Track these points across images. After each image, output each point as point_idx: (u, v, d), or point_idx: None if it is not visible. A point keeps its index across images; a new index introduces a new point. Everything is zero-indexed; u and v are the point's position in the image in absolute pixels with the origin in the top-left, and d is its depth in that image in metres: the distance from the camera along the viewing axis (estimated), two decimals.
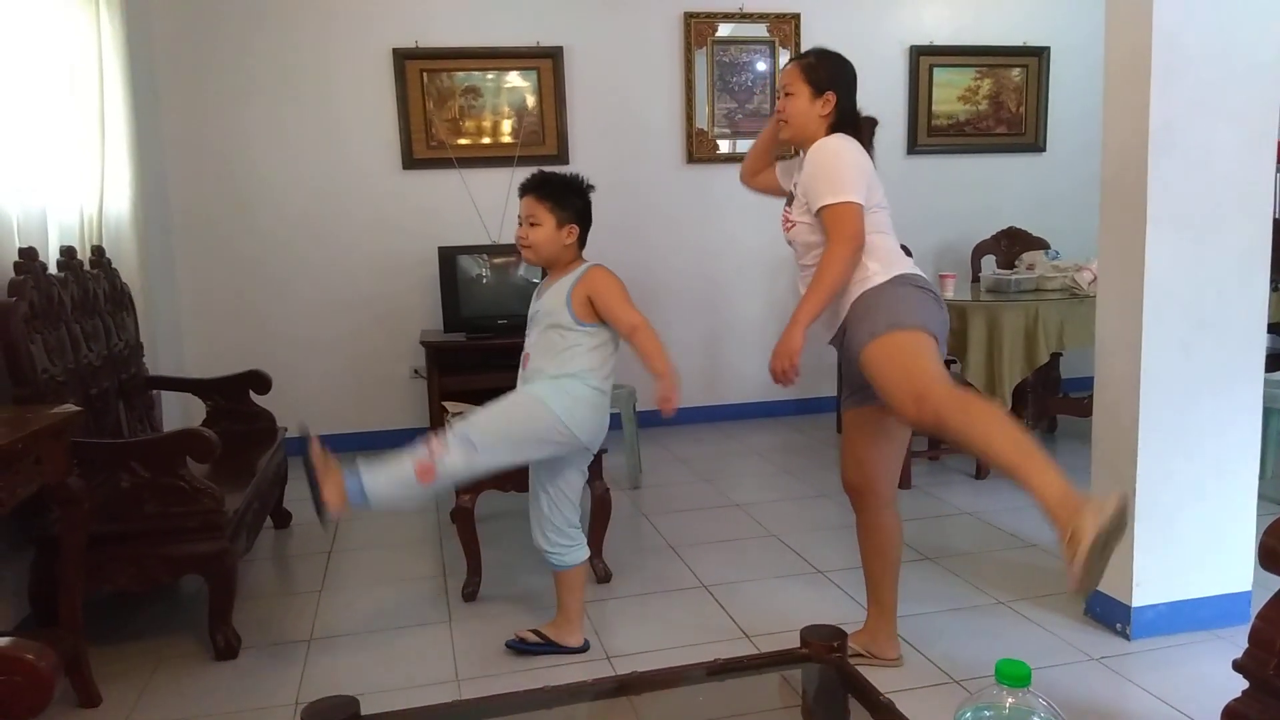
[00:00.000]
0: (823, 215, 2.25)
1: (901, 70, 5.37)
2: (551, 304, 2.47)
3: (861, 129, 2.40)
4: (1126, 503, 1.82)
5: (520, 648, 2.60)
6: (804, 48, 5.17)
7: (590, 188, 2.53)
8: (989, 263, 5.18)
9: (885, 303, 2.24)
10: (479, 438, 2.35)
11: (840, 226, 2.22)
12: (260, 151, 4.71)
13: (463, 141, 4.90)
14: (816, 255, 2.30)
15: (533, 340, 2.51)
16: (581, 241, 2.52)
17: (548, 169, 2.56)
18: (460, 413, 3.41)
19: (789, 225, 2.43)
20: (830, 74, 2.34)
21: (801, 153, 2.41)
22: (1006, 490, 3.95)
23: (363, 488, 2.29)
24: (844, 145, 2.29)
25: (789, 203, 2.46)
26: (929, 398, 2.09)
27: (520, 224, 2.49)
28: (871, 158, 2.36)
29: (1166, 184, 2.44)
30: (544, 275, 2.61)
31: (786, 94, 2.38)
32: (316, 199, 4.79)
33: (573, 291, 2.44)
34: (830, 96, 2.33)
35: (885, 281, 2.27)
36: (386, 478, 2.31)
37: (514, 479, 2.96)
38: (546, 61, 4.90)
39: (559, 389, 2.41)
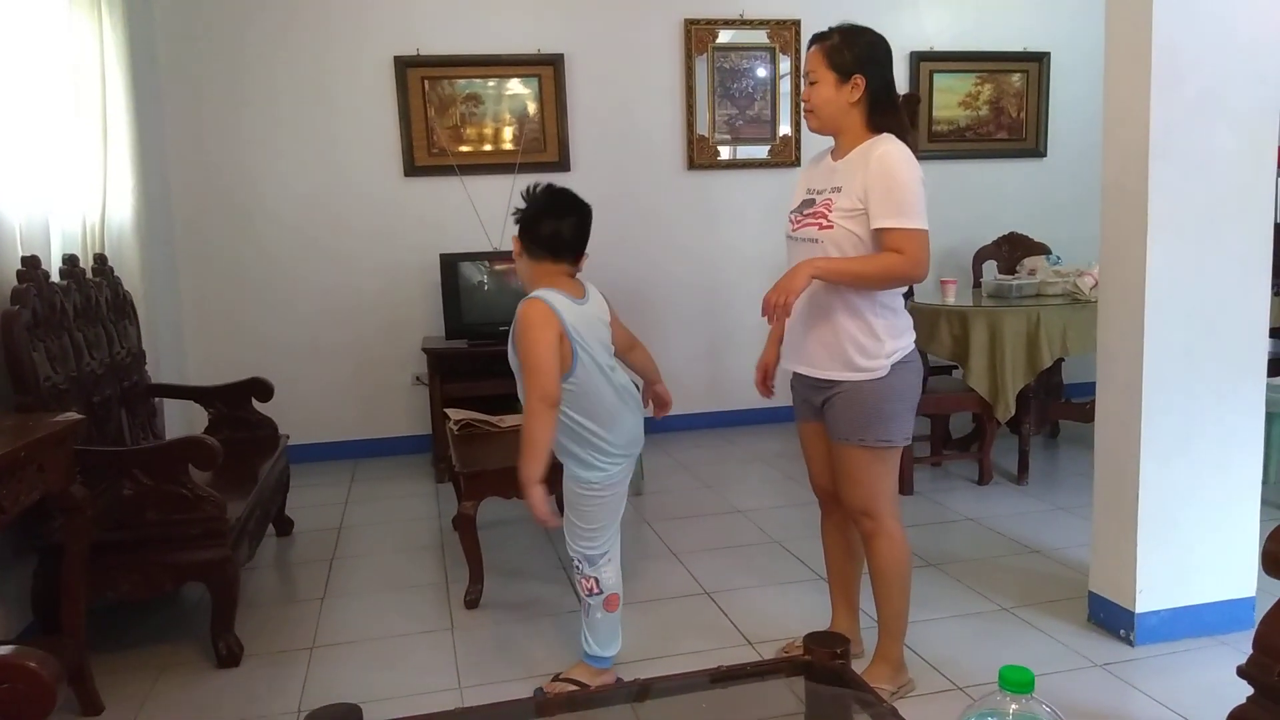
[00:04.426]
0: (889, 235, 2.10)
1: (902, 76, 5.37)
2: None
3: (900, 110, 2.24)
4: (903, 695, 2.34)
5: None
6: (803, 55, 5.17)
7: (538, 191, 2.30)
8: (990, 268, 5.17)
9: (886, 407, 2.20)
10: (591, 546, 2.37)
11: (913, 249, 2.10)
12: (262, 159, 4.72)
13: (464, 149, 4.90)
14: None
15: None
16: (548, 256, 2.28)
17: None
18: (461, 420, 3.42)
19: (824, 225, 2.18)
20: (857, 54, 2.15)
21: (831, 154, 2.27)
22: (1009, 496, 3.95)
23: (599, 656, 2.44)
24: (911, 160, 2.15)
25: (805, 207, 2.27)
26: (878, 518, 2.27)
27: None
28: (915, 136, 2.19)
29: (1167, 189, 2.44)
30: None
31: (810, 81, 2.20)
32: (318, 206, 4.80)
33: (511, 331, 2.28)
34: (859, 80, 2.15)
35: (889, 373, 2.19)
36: (601, 634, 2.43)
37: (517, 485, 2.96)
38: (547, 69, 4.91)
39: (566, 453, 2.34)
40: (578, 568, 2.40)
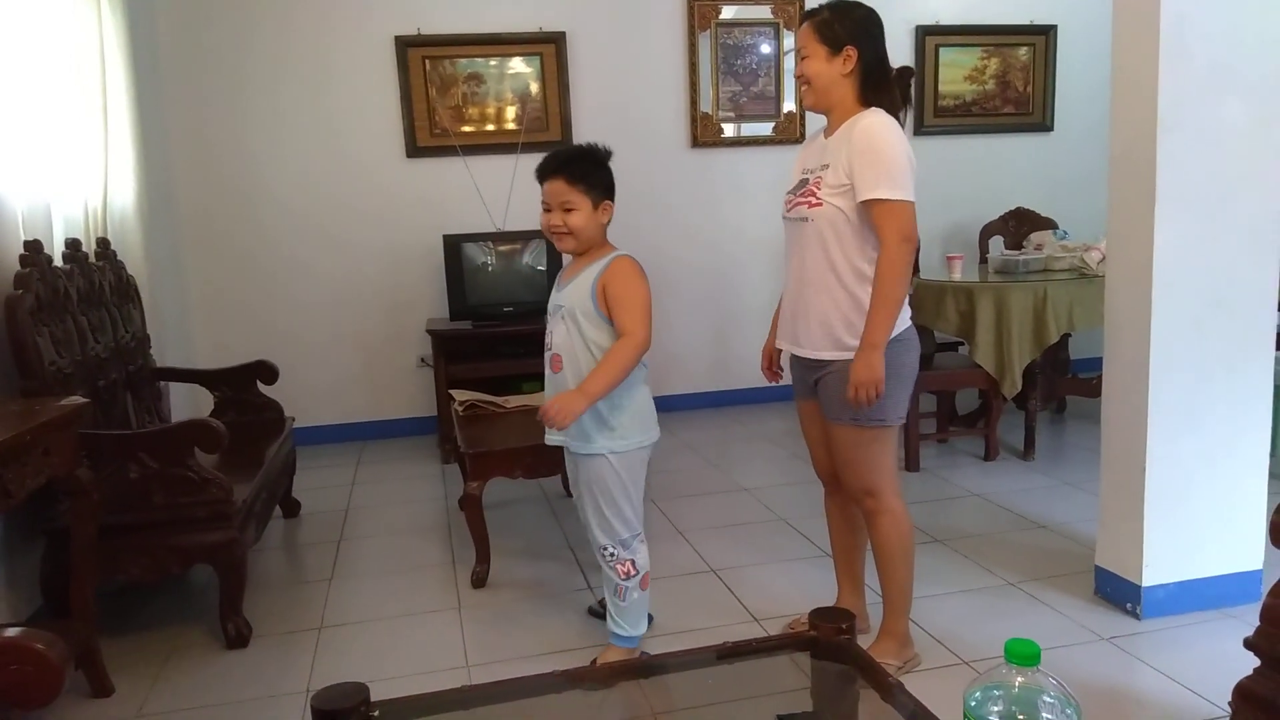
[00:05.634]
0: (875, 209, 2.09)
1: (908, 51, 5.32)
2: (576, 294, 2.27)
3: (893, 83, 2.23)
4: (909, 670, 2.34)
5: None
6: None
7: (608, 153, 2.40)
8: (997, 243, 5.15)
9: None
10: (625, 526, 2.35)
11: (897, 224, 2.08)
12: (264, 141, 4.70)
13: (466, 129, 4.88)
14: (835, 243, 2.17)
15: (559, 339, 2.31)
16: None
17: (563, 148, 2.40)
18: (466, 401, 3.42)
19: (814, 204, 2.19)
20: (848, 28, 2.16)
21: (823, 133, 2.28)
22: (1016, 472, 3.94)
23: (632, 636, 2.43)
24: (897, 131, 2.13)
25: (799, 188, 2.28)
26: (879, 496, 2.28)
27: (548, 209, 2.27)
28: (907, 111, 2.25)
29: (1175, 161, 2.41)
30: (561, 263, 2.47)
31: (803, 57, 2.21)
32: (321, 188, 4.78)
33: (597, 281, 2.25)
34: (850, 52, 2.15)
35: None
36: (633, 614, 2.42)
37: (523, 465, 2.97)
38: (549, 47, 4.88)
39: (602, 426, 2.28)
40: (612, 555, 2.35)
